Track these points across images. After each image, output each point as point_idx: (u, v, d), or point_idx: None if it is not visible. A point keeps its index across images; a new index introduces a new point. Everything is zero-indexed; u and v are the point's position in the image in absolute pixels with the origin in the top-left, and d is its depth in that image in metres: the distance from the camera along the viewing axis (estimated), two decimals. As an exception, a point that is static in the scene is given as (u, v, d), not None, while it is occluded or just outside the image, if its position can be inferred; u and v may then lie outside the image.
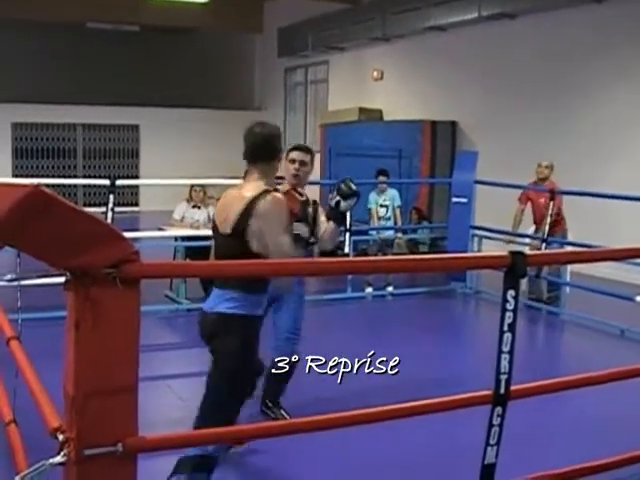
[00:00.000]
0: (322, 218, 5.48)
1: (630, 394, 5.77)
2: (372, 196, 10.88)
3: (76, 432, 2.71)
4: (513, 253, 3.38)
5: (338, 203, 5.15)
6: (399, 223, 11.17)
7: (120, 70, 22.34)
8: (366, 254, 11.07)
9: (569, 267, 9.53)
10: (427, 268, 3.69)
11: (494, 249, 8.17)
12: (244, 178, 4.25)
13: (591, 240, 8.54)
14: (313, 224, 5.49)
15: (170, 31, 22.31)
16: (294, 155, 5.44)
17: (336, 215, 5.24)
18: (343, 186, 5.13)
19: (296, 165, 5.42)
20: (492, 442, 3.53)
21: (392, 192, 10.99)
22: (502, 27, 14.27)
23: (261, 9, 22.32)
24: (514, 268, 3.36)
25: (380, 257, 9.12)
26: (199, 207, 10.08)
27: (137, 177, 20.99)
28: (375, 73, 18.01)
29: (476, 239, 10.60)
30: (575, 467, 4.04)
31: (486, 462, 3.56)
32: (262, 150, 4.21)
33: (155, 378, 6.35)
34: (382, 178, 10.97)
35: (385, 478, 4.76)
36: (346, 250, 9.91)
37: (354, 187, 5.14)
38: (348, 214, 5.16)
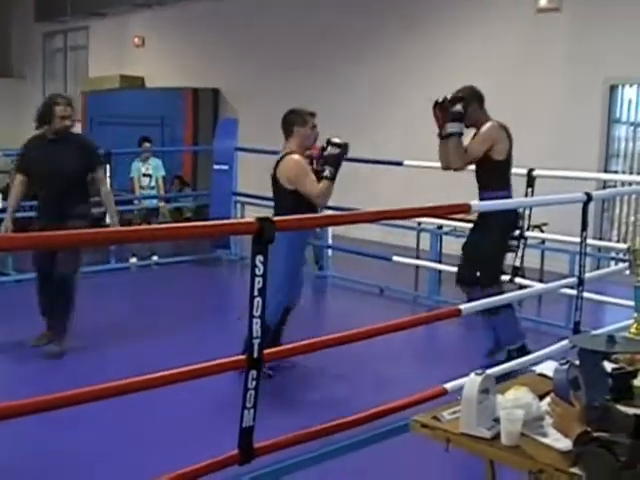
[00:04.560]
0: None
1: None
2: (135, 164, 10.72)
3: None
4: (260, 219, 3.40)
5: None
6: (162, 192, 11.09)
7: None
8: (130, 224, 10.90)
9: (330, 230, 9.77)
10: (176, 236, 3.66)
11: (257, 215, 8.24)
12: None
13: (355, 204, 8.70)
14: None
15: None
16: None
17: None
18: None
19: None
20: (249, 405, 3.56)
21: (155, 161, 10.88)
22: (262, -6, 14.41)
23: (16, -31, 21.32)
24: (261, 234, 3.39)
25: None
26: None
27: None
28: (136, 40, 17.71)
29: (239, 206, 10.68)
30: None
31: (244, 425, 3.59)
32: None
33: None
34: (147, 144, 10.84)
35: (144, 448, 4.74)
36: (108, 220, 9.70)
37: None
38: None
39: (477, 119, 6.23)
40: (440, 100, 6.11)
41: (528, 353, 5.92)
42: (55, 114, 6.28)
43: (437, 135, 6.29)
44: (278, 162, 6.05)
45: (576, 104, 10.30)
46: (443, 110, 6.12)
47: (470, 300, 5.98)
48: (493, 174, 6.24)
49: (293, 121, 6.13)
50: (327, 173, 5.85)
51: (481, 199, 6.17)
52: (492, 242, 6.30)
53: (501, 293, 6.10)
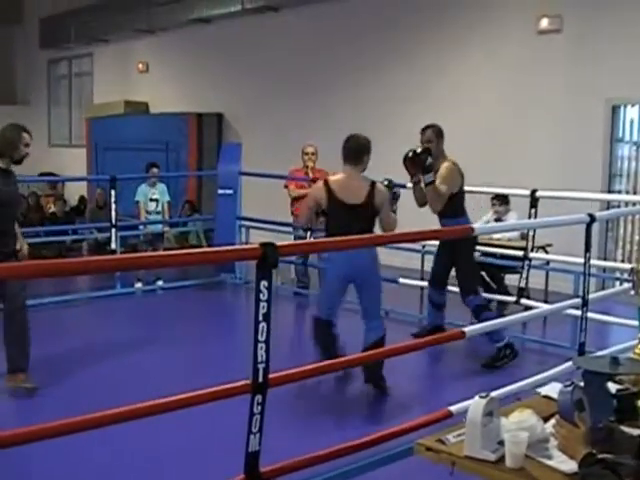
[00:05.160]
0: None
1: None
2: (141, 188, 10.69)
3: None
4: (263, 244, 3.42)
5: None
6: (167, 217, 11.10)
7: None
8: (135, 249, 10.92)
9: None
10: (181, 263, 3.68)
11: (262, 239, 8.24)
12: None
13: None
14: None
15: None
16: None
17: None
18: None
19: None
20: (254, 430, 3.56)
21: (162, 186, 10.90)
22: (266, 19, 14.49)
23: (20, -2, 21.42)
24: (265, 259, 3.41)
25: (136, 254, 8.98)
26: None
27: None
28: (140, 65, 17.81)
29: (244, 230, 10.71)
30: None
31: (250, 450, 3.59)
32: None
33: None
34: (155, 170, 10.85)
35: (151, 472, 4.72)
36: (113, 246, 9.72)
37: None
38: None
39: (437, 155, 7.01)
40: (410, 155, 6.80)
41: (516, 352, 6.95)
42: (22, 141, 5.98)
43: (411, 182, 7.23)
44: (372, 188, 6.04)
45: (578, 124, 10.31)
46: (412, 162, 6.83)
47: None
48: (450, 204, 6.95)
49: (366, 149, 6.15)
50: (395, 207, 6.59)
51: (443, 225, 6.95)
52: (468, 259, 7.16)
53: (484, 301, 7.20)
